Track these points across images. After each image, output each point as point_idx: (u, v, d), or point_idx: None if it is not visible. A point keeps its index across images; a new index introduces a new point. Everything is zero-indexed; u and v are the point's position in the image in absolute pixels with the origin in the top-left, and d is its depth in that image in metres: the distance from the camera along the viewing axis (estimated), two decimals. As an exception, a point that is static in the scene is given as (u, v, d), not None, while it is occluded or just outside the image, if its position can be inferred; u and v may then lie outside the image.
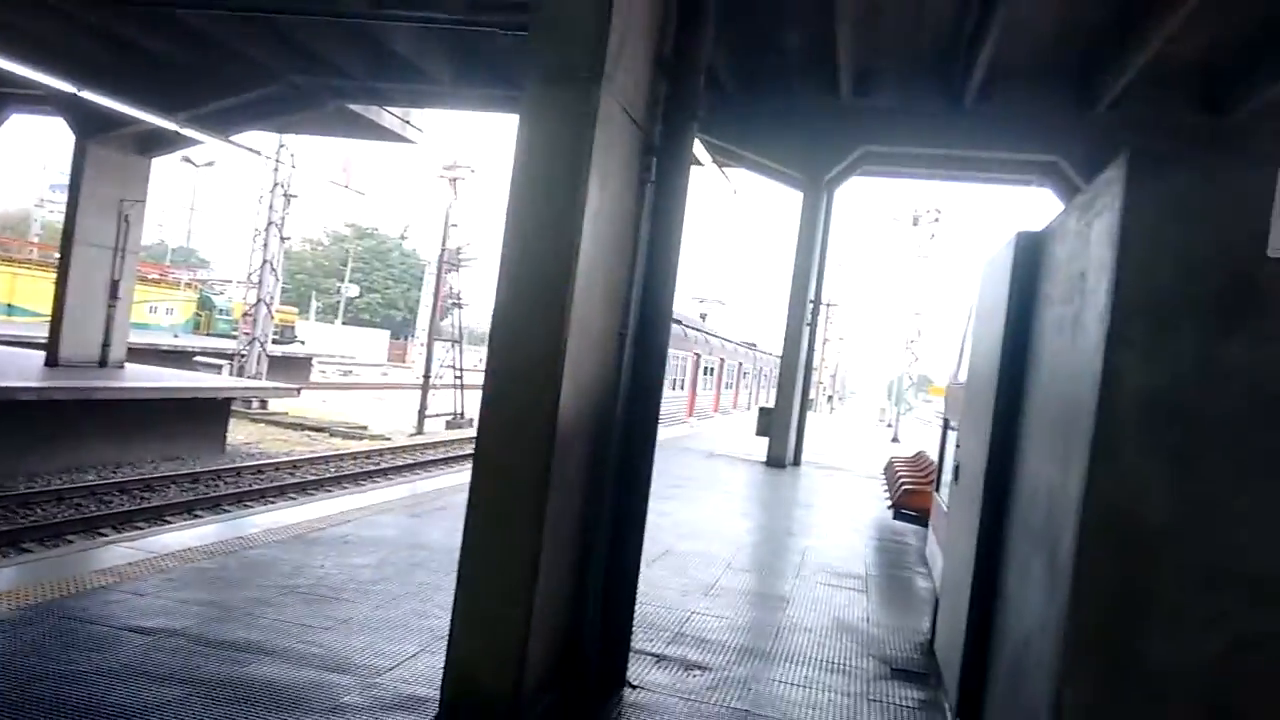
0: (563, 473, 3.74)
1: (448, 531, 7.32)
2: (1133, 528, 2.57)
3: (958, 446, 5.28)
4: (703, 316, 46.65)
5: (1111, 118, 12.56)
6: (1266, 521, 2.50)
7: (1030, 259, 3.67)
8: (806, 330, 15.38)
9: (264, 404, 25.12)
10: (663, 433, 20.28)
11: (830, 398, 74.03)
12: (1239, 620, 2.50)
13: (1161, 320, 2.56)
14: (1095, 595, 2.60)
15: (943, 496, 6.63)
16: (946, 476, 6.25)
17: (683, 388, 27.88)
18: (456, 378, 29.11)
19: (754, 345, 40.61)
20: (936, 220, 35.80)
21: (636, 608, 5.71)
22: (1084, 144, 12.74)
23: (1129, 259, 2.57)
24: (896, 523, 10.02)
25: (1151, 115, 12.39)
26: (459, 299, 29.84)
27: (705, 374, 30.91)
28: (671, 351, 26.35)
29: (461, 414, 27.78)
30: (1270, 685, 2.46)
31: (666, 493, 10.75)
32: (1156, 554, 2.56)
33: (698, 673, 4.81)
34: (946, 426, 7.02)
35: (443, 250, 28.93)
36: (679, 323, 28.44)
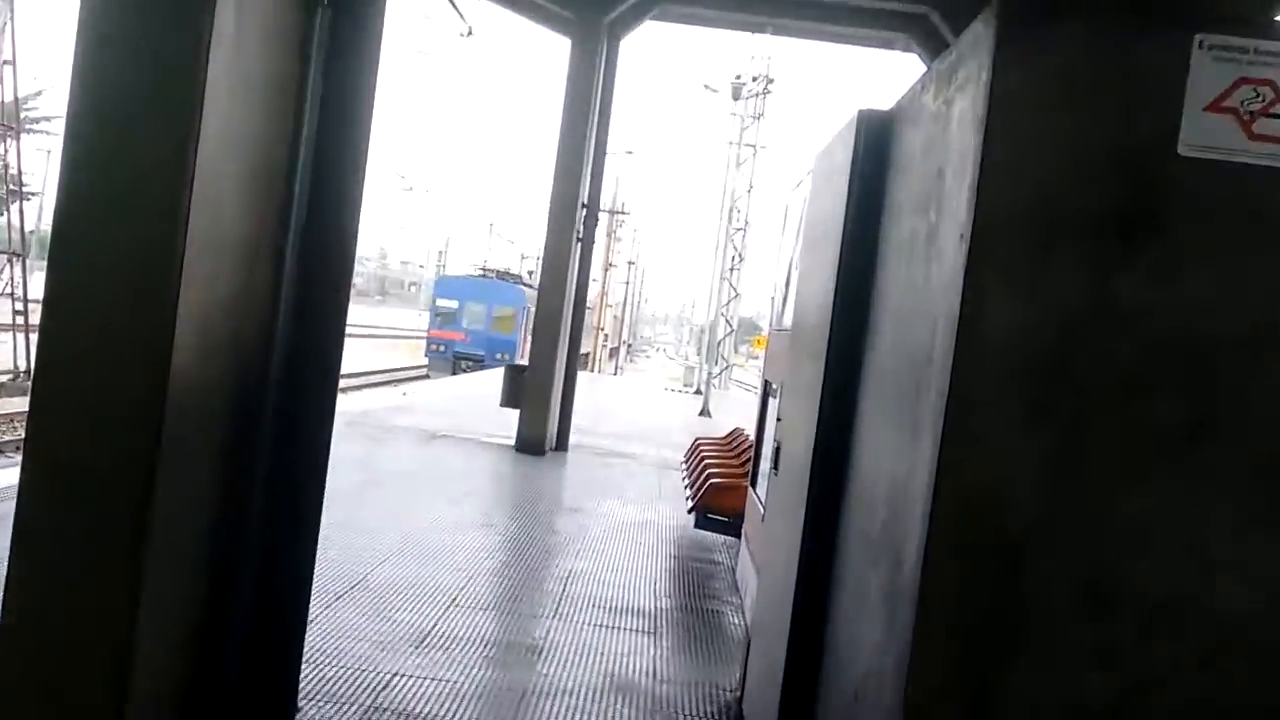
0: (178, 470, 3.57)
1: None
2: (997, 530, 2.76)
3: (779, 420, 5.50)
4: (529, 273, 54.84)
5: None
6: (1170, 521, 2.74)
7: (876, 151, 3.82)
8: (576, 248, 15.54)
9: None
10: (365, 401, 19.93)
11: (615, 351, 75.72)
12: (1134, 654, 2.75)
13: (1040, 241, 2.73)
14: (949, 624, 2.77)
15: (760, 493, 6.91)
16: (765, 465, 6.52)
17: (521, 333, 41.12)
18: (18, 312, 27.27)
19: None
20: (767, 92, 37.06)
21: (307, 668, 5.61)
22: (966, -10, 13.52)
23: (998, 153, 2.70)
24: (701, 533, 10.41)
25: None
26: (21, 185, 27.86)
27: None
28: (514, 307, 42.34)
29: (28, 371, 26.13)
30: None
31: (362, 495, 10.62)
32: (1027, 566, 2.76)
33: (398, 765, 4.80)
34: (767, 392, 7.30)
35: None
36: (518, 280, 47.47)
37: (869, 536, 3.36)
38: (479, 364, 42.04)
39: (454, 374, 41.67)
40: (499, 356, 41.20)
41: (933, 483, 2.78)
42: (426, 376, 42.36)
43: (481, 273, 52.19)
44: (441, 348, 45.25)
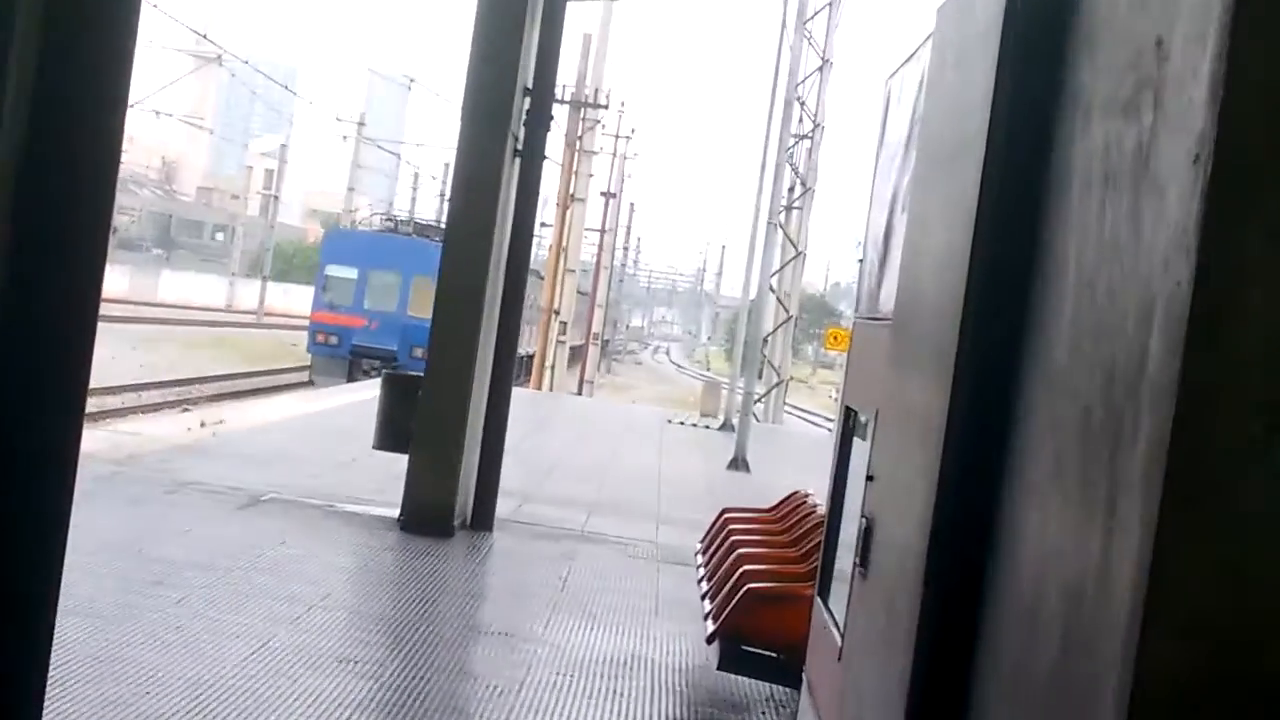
0: None
1: None
2: (1257, 668, 2.79)
3: (871, 480, 5.50)
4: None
5: None
6: None
7: (1045, 8, 3.87)
8: (512, 168, 15.52)
9: None
10: (136, 436, 19.84)
11: (580, 352, 75.75)
12: None
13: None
14: None
15: (835, 610, 6.90)
16: (844, 558, 6.51)
17: None
18: None
19: None
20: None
21: None
22: None
23: (1261, 8, 2.73)
24: (729, 678, 10.38)
25: None
26: None
27: None
28: None
29: None
30: None
31: (128, 606, 10.59)
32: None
33: None
34: (850, 428, 7.30)
35: None
36: None
37: (1030, 683, 3.38)
38: (391, 363, 45.46)
39: (351, 379, 44.67)
40: (419, 354, 44.65)
41: (1144, 589, 2.79)
42: (310, 383, 45.67)
43: (391, 225, 56.37)
44: (333, 339, 48.99)
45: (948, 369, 4.10)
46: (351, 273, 49.12)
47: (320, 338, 49.12)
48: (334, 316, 48.88)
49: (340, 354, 47.84)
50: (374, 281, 48.65)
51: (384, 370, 19.44)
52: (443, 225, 52.51)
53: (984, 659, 3.80)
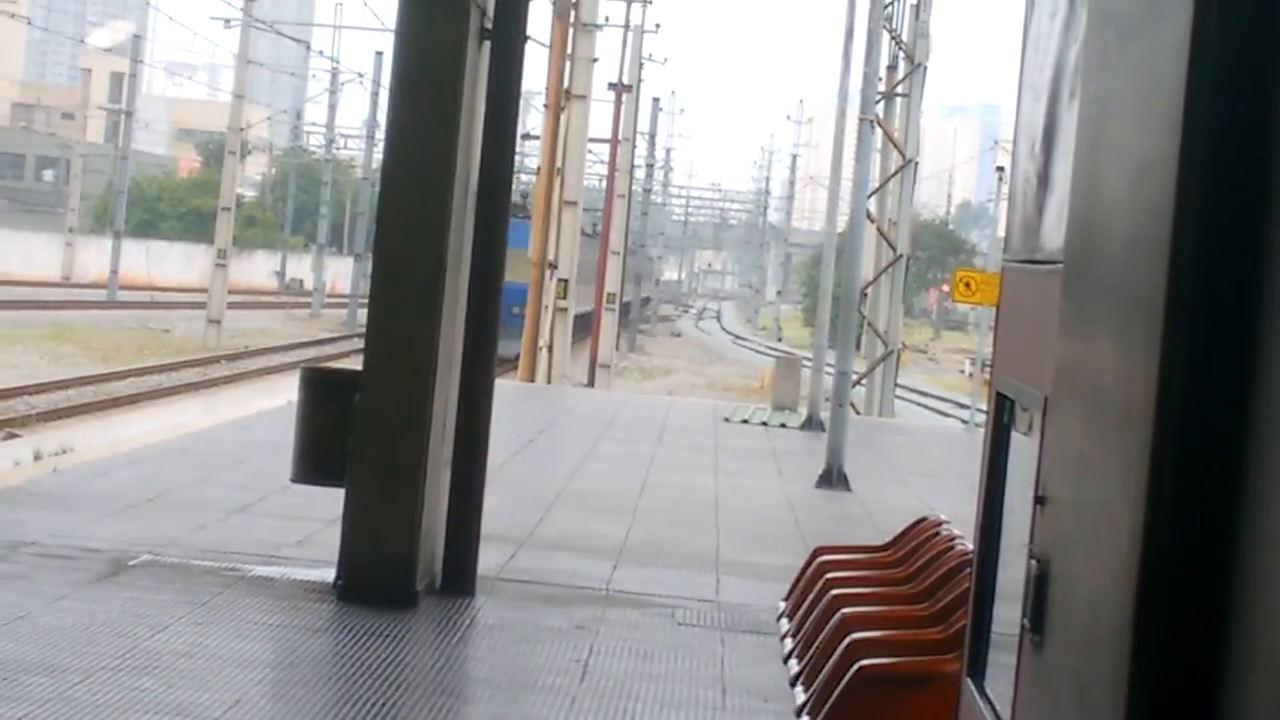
0: None
1: None
2: None
3: (1041, 502, 5.47)
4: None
5: None
6: None
7: None
8: (479, 52, 15.54)
9: None
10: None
11: (587, 319, 76.16)
12: None
13: None
14: None
15: (993, 693, 6.91)
16: (1003, 620, 6.50)
17: None
18: None
19: None
20: None
21: None
22: None
23: None
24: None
25: None
26: None
27: None
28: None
29: None
30: None
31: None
32: None
33: None
34: (1004, 420, 7.29)
35: None
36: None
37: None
38: None
39: None
40: (515, 311, 54.62)
41: None
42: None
43: None
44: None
45: (1155, 329, 4.05)
46: None
47: None
48: None
49: None
50: None
51: (305, 369, 19.07)
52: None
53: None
